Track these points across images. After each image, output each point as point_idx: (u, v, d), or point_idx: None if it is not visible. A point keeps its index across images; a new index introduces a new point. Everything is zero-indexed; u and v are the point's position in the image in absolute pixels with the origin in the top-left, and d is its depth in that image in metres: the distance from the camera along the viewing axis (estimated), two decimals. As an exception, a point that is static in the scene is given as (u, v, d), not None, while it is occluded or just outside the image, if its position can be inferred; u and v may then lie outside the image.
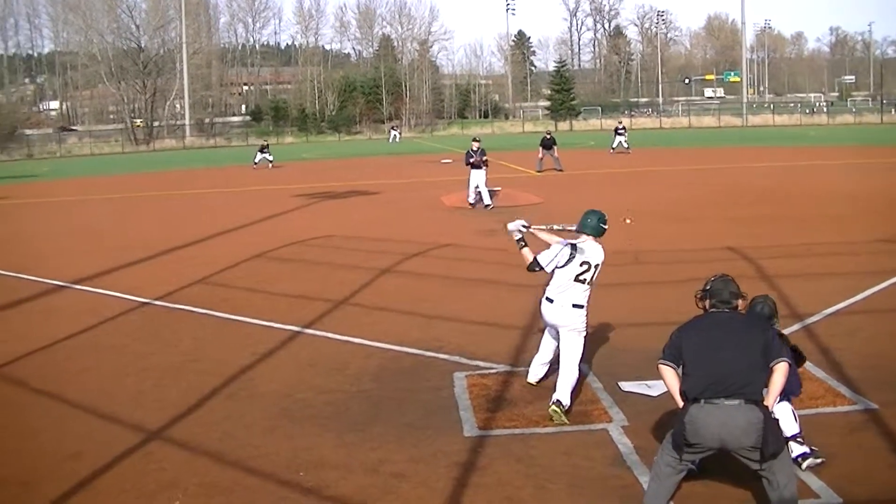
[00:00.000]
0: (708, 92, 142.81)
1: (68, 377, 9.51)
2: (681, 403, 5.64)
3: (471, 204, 24.55)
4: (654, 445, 6.43)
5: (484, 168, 24.36)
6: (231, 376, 9.21)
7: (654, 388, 8.09)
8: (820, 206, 21.49)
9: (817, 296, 11.68)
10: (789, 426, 6.37)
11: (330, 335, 10.80)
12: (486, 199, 24.38)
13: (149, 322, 12.13)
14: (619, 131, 46.29)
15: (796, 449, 6.35)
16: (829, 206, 21.56)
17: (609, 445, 7.03)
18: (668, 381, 5.81)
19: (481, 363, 9.32)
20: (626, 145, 45.63)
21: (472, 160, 24.30)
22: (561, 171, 35.19)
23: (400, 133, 71.78)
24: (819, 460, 6.34)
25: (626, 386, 8.33)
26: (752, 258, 14.79)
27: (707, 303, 6.01)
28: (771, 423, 5.44)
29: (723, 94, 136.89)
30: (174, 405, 8.31)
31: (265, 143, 49.89)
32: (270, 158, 47.36)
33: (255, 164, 46.50)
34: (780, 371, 5.62)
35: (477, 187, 24.48)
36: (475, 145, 24.57)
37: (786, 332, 9.84)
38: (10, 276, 16.10)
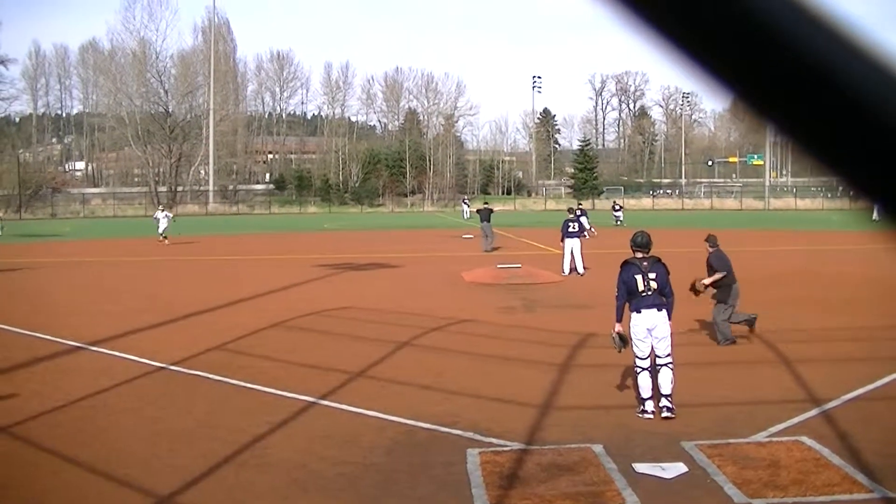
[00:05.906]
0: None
1: (81, 439, 9.49)
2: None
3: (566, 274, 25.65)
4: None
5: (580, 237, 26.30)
6: (244, 444, 9.17)
7: (668, 471, 8.02)
8: (840, 291, 21.38)
9: (836, 381, 11.56)
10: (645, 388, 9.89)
11: (344, 407, 10.76)
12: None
13: (164, 386, 12.12)
14: (616, 209, 47.21)
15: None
16: (849, 290, 21.45)
17: (621, 528, 6.95)
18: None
19: (495, 440, 9.24)
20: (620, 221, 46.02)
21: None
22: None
23: (469, 206, 69.16)
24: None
25: (640, 467, 8.24)
26: (770, 342, 14.72)
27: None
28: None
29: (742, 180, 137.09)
30: (186, 471, 8.27)
31: (579, 205, 41.40)
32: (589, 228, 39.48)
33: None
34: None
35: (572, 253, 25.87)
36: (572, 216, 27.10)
37: (803, 417, 9.85)
38: (28, 335, 16.16)
